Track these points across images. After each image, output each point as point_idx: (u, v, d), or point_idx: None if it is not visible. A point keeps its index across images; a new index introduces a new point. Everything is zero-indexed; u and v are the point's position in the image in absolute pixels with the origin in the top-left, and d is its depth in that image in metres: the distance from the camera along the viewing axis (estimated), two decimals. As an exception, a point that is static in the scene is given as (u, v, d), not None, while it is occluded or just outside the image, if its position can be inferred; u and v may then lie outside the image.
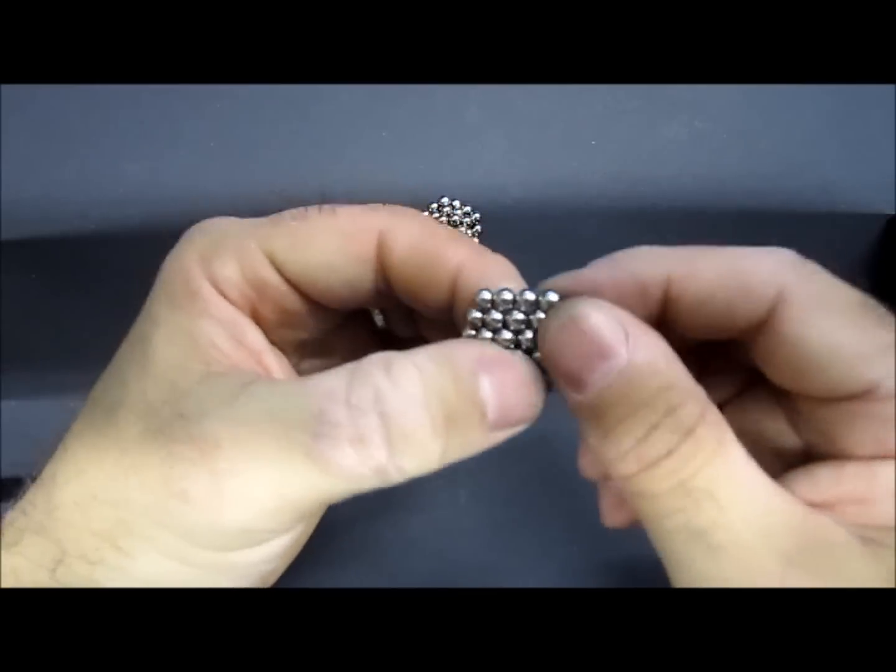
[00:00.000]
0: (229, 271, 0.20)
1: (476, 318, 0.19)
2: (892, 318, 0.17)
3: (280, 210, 0.21)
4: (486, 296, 0.19)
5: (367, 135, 0.35)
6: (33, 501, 0.19)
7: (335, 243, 0.20)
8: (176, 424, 0.18)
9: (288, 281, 0.20)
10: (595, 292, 0.18)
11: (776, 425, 0.20)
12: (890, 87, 0.35)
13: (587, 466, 0.22)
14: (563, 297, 0.19)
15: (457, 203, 0.33)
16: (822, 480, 0.18)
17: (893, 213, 0.35)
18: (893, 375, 0.16)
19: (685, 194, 0.35)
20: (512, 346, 0.19)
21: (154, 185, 0.34)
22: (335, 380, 0.17)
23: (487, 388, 0.17)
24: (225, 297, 0.20)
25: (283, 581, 0.33)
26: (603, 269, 0.19)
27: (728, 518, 0.16)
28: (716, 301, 0.18)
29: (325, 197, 0.21)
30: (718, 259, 0.18)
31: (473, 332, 0.19)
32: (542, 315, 0.19)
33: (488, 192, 0.34)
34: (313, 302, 0.21)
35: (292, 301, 0.21)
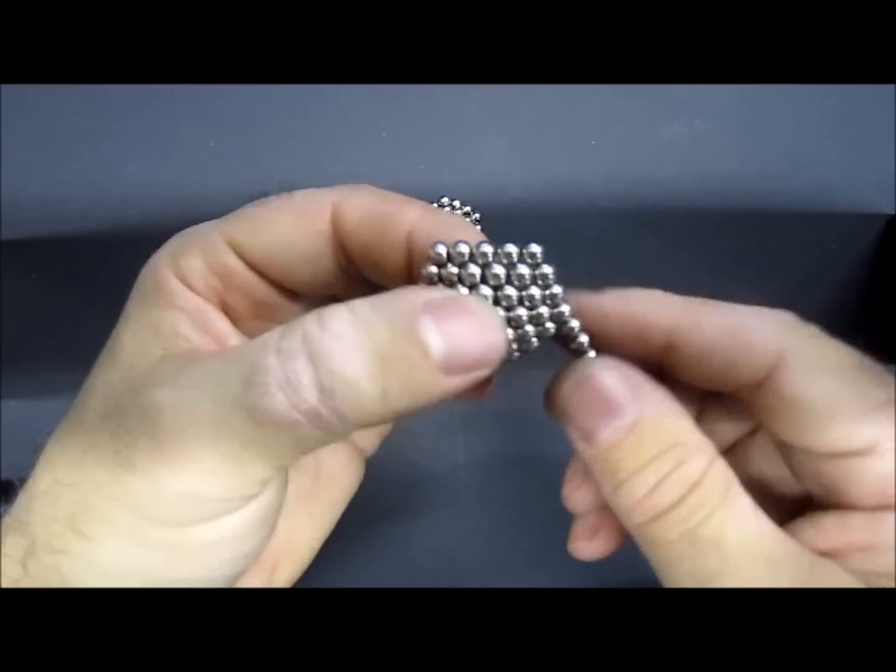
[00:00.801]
0: (194, 262, 0.20)
1: (431, 273, 0.18)
2: (889, 375, 0.18)
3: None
4: (441, 249, 0.18)
5: (367, 135, 0.35)
6: (19, 499, 0.19)
7: (290, 220, 0.20)
8: (126, 398, 0.18)
9: (252, 267, 0.21)
10: (603, 320, 0.19)
11: (779, 472, 0.21)
12: (890, 87, 0.35)
13: (571, 499, 0.22)
14: (566, 293, 0.18)
15: (457, 203, 0.33)
16: (828, 529, 0.18)
17: (893, 213, 0.35)
18: (892, 433, 0.17)
19: (685, 194, 0.35)
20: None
21: (154, 186, 0.34)
22: (270, 333, 0.17)
23: (431, 327, 0.16)
24: (191, 288, 0.20)
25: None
26: (613, 302, 0.19)
27: (733, 566, 0.17)
28: (718, 356, 0.18)
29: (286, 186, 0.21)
30: (723, 315, 0.18)
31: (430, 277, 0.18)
32: (523, 269, 0.18)
33: (488, 192, 0.34)
34: (281, 289, 0.21)
35: (260, 289, 0.21)
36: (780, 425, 0.18)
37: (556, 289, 0.18)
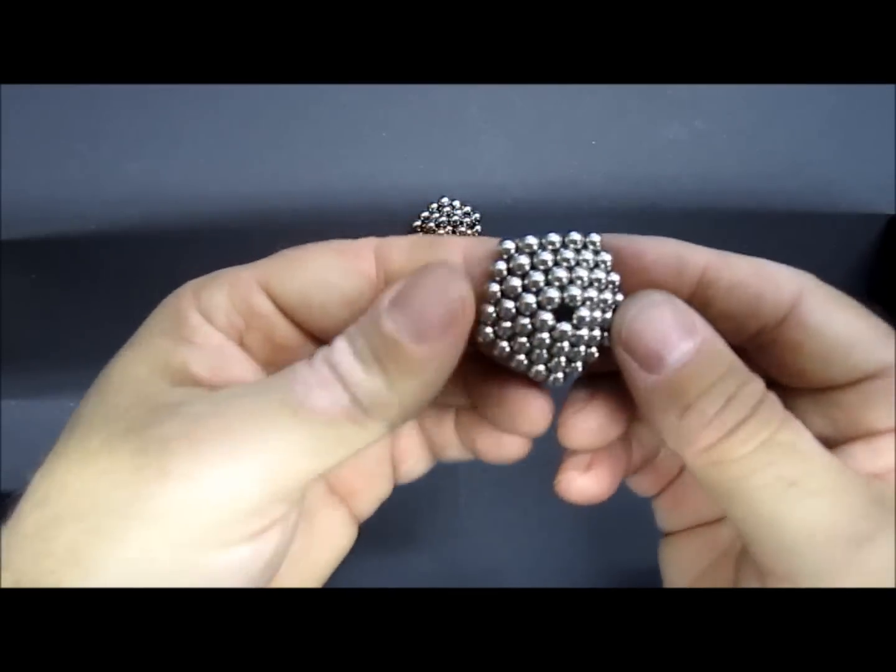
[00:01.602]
0: (219, 298, 0.20)
1: (499, 269, 0.19)
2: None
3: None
4: (509, 244, 0.19)
5: (367, 135, 0.35)
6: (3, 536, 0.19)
7: (332, 261, 0.20)
8: (147, 418, 0.18)
9: (283, 309, 0.20)
10: (639, 256, 0.19)
11: None
12: (890, 87, 0.35)
13: (569, 425, 0.21)
14: (605, 246, 0.19)
15: (457, 203, 0.33)
16: (859, 456, 0.19)
17: (893, 213, 0.35)
18: None
19: (685, 194, 0.35)
20: (540, 286, 0.19)
21: (154, 186, 0.34)
22: (298, 362, 0.19)
23: (396, 315, 0.18)
24: (212, 323, 0.20)
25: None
26: (649, 241, 0.20)
27: (815, 467, 0.18)
28: (748, 287, 0.19)
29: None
30: (748, 259, 0.20)
31: (497, 284, 0.19)
32: (588, 256, 0.19)
33: (488, 192, 0.34)
34: (308, 334, 0.21)
35: (283, 333, 0.21)
36: (805, 357, 0.19)
37: (615, 276, 0.19)
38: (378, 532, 0.34)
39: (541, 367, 0.19)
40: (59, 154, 0.34)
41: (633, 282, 0.20)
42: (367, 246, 0.20)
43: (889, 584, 0.17)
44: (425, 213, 0.33)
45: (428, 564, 0.34)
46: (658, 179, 0.35)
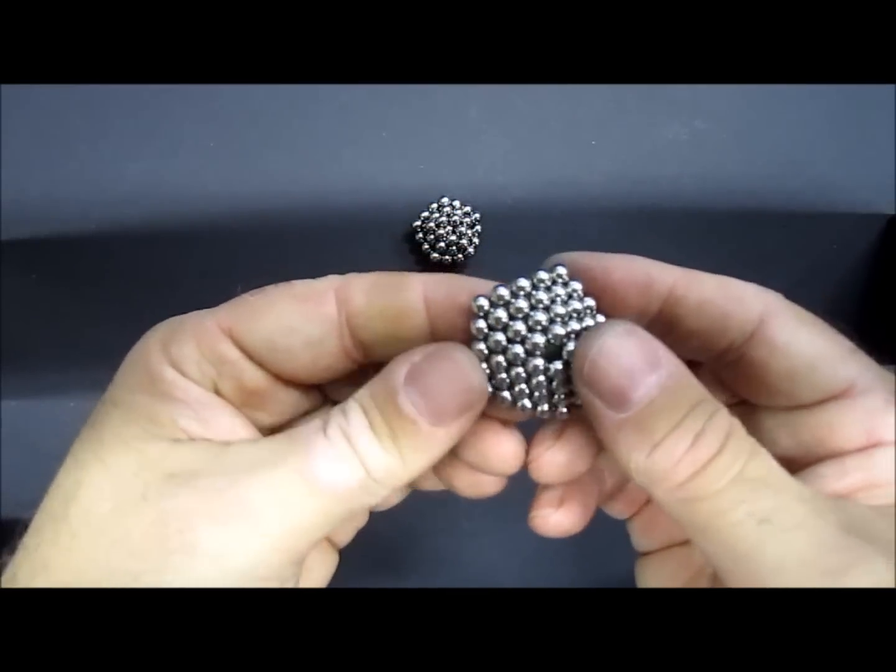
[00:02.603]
0: (187, 350, 0.20)
1: (480, 328, 0.19)
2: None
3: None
4: (483, 301, 0.19)
5: (367, 135, 0.35)
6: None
7: (293, 305, 0.20)
8: (162, 488, 0.18)
9: (250, 355, 0.20)
10: (606, 274, 0.19)
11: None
12: (890, 87, 0.35)
13: (540, 462, 0.21)
14: (572, 273, 0.19)
15: (457, 203, 0.33)
16: (827, 476, 0.19)
17: (893, 213, 0.35)
18: (865, 372, 0.19)
19: (685, 194, 0.35)
20: (527, 335, 0.19)
21: (154, 185, 0.34)
22: (310, 424, 0.19)
23: (411, 393, 0.18)
24: (187, 377, 0.20)
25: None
26: (616, 259, 0.20)
27: (785, 501, 0.17)
28: (714, 305, 0.19)
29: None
30: (715, 277, 0.20)
31: (482, 343, 0.19)
32: (560, 291, 0.19)
33: (488, 192, 0.34)
34: (279, 379, 0.21)
35: (254, 377, 0.20)
36: (771, 376, 0.19)
37: (590, 301, 0.19)
38: (378, 532, 0.34)
39: (545, 407, 0.20)
40: (59, 154, 0.34)
41: (602, 300, 0.19)
42: (327, 288, 0.20)
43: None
44: (425, 213, 0.33)
45: (428, 565, 0.34)
46: (658, 179, 0.35)
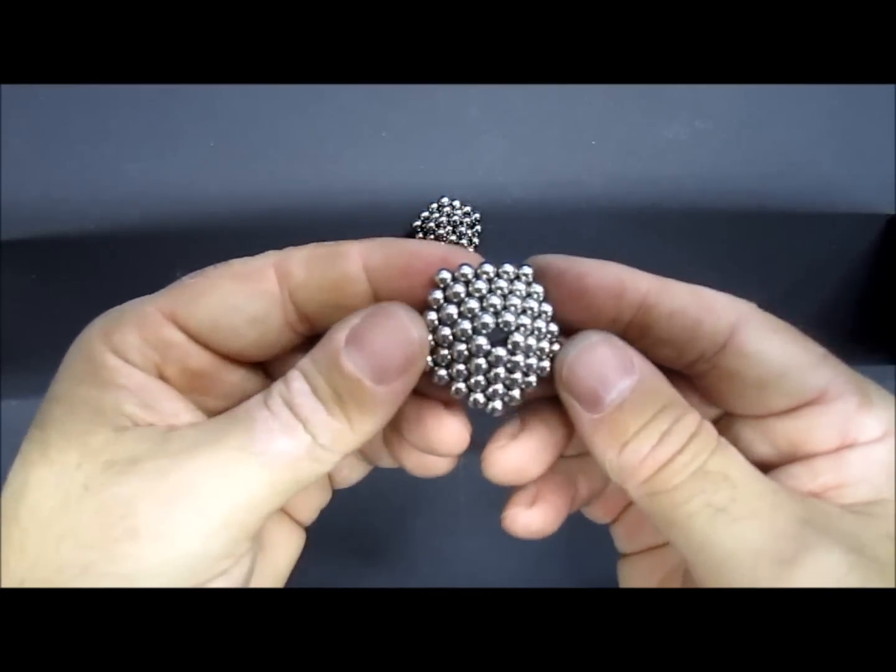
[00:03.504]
0: (129, 337, 0.20)
1: (436, 298, 0.19)
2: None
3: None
4: (445, 275, 0.19)
5: (367, 135, 0.35)
6: None
7: (234, 285, 0.20)
8: (104, 477, 0.18)
9: (193, 337, 0.20)
10: (580, 278, 0.20)
11: None
12: (890, 87, 0.35)
13: (493, 468, 0.22)
14: (538, 276, 0.19)
15: (457, 203, 0.33)
16: (800, 476, 0.20)
17: (893, 213, 0.35)
18: (837, 377, 0.19)
19: (685, 194, 0.35)
20: (476, 314, 0.19)
21: (154, 186, 0.34)
22: (251, 400, 0.19)
23: (355, 356, 0.18)
24: (130, 363, 0.20)
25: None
26: (591, 264, 0.20)
27: (743, 493, 0.18)
28: (687, 314, 0.20)
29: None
30: (688, 286, 0.20)
31: (434, 313, 0.19)
32: (521, 287, 0.19)
33: (488, 192, 0.34)
34: (225, 359, 0.21)
35: (199, 360, 0.20)
36: (744, 385, 0.20)
37: (547, 307, 0.19)
38: (377, 532, 0.34)
39: (479, 396, 0.20)
40: (59, 154, 0.34)
41: (574, 305, 0.20)
42: (266, 265, 0.20)
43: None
44: (425, 213, 0.33)
45: (428, 564, 0.34)
46: (658, 179, 0.35)
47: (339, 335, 0.19)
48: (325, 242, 0.20)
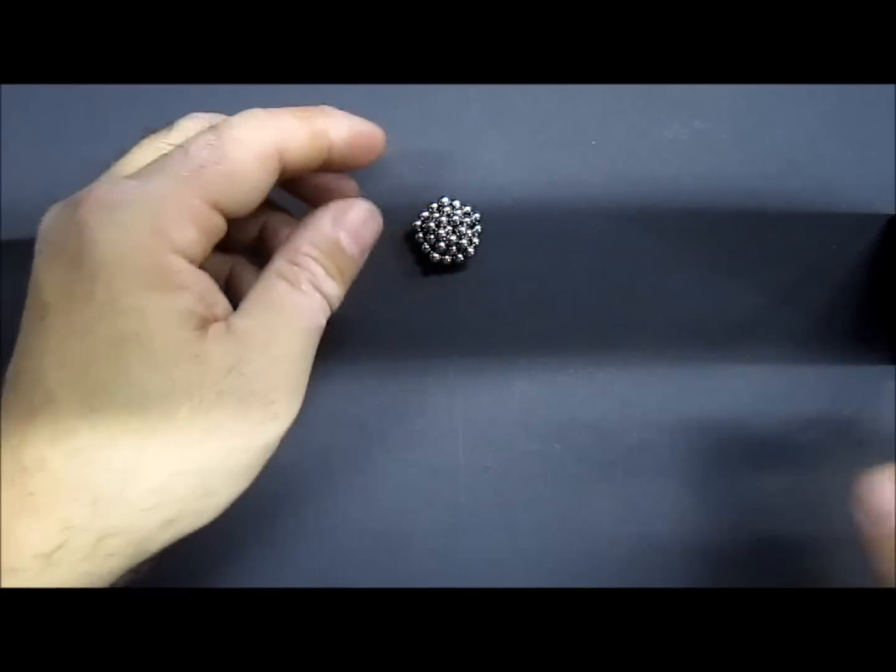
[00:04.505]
0: (190, 234, 0.21)
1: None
2: None
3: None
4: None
5: (367, 135, 0.34)
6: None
7: (259, 171, 0.23)
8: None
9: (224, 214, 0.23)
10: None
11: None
12: (890, 87, 0.35)
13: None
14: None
15: (457, 203, 0.33)
16: None
17: (893, 213, 0.35)
18: None
19: (685, 194, 0.35)
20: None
21: (154, 185, 0.34)
22: (282, 287, 0.24)
23: (351, 245, 0.26)
24: (193, 263, 0.21)
25: (281, 581, 0.33)
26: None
27: None
28: None
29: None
30: None
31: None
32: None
33: (488, 192, 0.34)
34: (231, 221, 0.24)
35: (221, 229, 0.23)
36: None
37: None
38: (377, 531, 0.34)
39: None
40: (59, 154, 0.34)
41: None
42: (272, 145, 0.23)
43: None
44: (425, 213, 0.33)
45: (427, 564, 0.34)
46: (658, 179, 0.35)
47: (340, 232, 0.25)
48: (301, 112, 0.24)
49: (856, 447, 0.35)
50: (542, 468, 0.34)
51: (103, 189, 0.21)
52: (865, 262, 0.35)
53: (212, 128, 0.23)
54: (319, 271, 0.24)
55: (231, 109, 0.34)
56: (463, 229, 0.32)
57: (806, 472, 0.35)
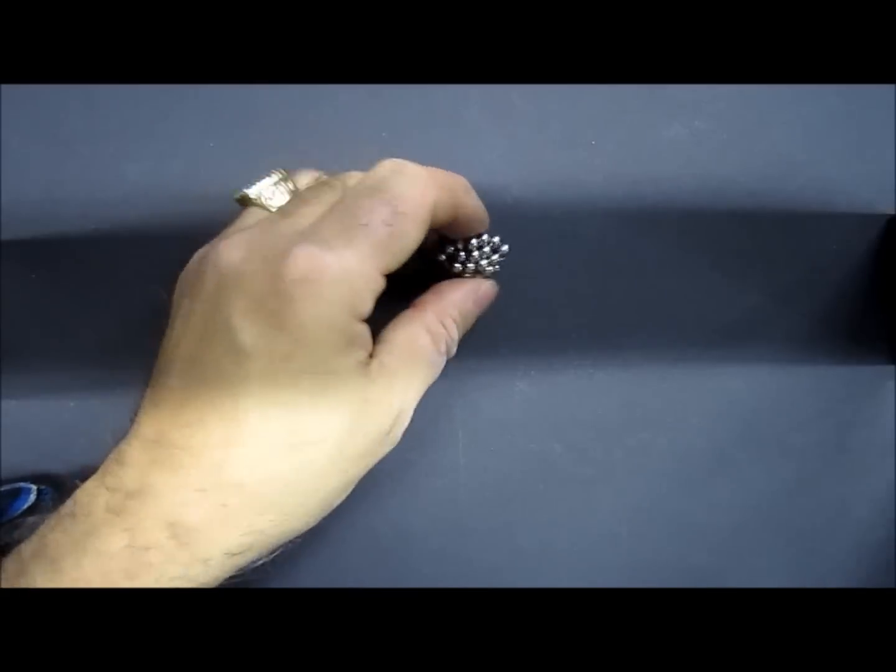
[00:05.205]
0: (370, 303, 0.25)
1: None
2: None
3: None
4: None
5: (367, 135, 0.35)
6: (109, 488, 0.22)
7: (417, 233, 0.25)
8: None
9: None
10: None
11: None
12: (890, 87, 0.35)
13: None
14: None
15: (497, 240, 0.33)
16: None
17: (893, 213, 0.35)
18: None
19: (685, 194, 0.35)
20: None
21: (154, 186, 0.34)
22: (423, 341, 0.28)
23: (474, 308, 0.31)
24: (365, 322, 0.25)
25: (282, 582, 0.33)
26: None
27: None
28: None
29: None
30: None
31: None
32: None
33: (488, 192, 0.34)
34: None
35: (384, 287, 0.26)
36: None
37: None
38: (377, 531, 0.34)
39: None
40: (59, 154, 0.34)
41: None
42: (427, 206, 0.26)
43: None
44: (474, 241, 0.33)
45: (427, 564, 0.34)
46: (658, 179, 0.35)
47: (469, 303, 0.30)
48: (447, 180, 0.27)
49: (855, 447, 0.35)
50: (542, 468, 0.34)
51: (305, 259, 0.24)
52: (865, 262, 0.35)
53: (379, 192, 0.25)
54: (456, 336, 0.29)
55: (231, 109, 0.35)
56: (495, 258, 0.32)
57: (806, 472, 0.35)
